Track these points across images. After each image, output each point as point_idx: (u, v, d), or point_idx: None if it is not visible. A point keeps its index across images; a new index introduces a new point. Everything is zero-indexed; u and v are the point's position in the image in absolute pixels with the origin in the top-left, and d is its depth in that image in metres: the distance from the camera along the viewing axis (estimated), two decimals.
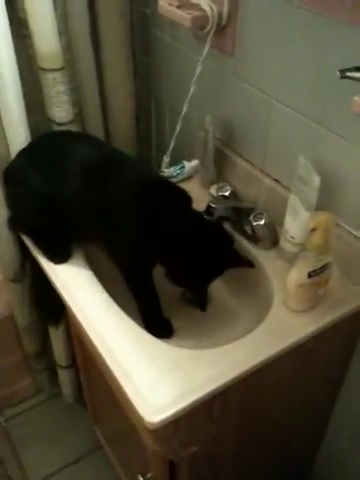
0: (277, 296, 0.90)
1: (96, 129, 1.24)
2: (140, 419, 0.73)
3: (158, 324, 0.97)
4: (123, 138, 1.29)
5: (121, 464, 1.32)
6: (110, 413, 1.20)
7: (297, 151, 0.91)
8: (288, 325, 0.85)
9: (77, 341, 1.21)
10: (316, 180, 0.84)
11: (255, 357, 0.80)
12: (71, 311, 0.89)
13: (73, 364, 1.49)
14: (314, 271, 0.82)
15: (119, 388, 0.77)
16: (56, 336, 1.42)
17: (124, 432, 1.08)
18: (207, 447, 0.88)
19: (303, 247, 0.83)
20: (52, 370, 1.61)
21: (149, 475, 0.96)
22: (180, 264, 0.90)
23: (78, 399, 1.60)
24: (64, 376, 1.56)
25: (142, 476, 0.97)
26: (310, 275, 0.82)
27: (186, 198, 0.93)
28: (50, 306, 1.21)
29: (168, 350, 0.82)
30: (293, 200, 0.91)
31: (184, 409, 0.74)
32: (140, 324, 0.91)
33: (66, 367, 1.52)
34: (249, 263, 0.94)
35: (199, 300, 0.93)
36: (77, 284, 0.93)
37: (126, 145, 1.30)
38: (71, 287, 0.92)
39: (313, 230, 0.79)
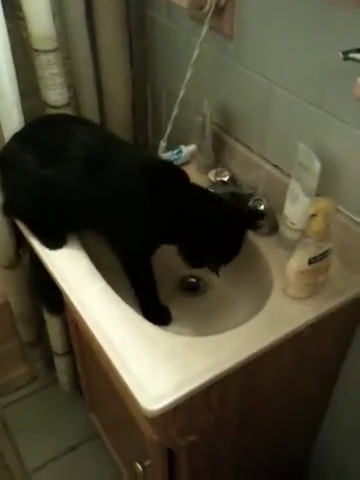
0: (276, 283, 0.89)
1: (91, 113, 1.22)
2: (139, 408, 0.72)
3: (156, 311, 0.96)
4: (119, 122, 1.27)
5: (118, 452, 1.32)
6: (107, 401, 1.20)
7: (297, 136, 0.90)
8: (287, 313, 0.84)
9: (74, 328, 1.19)
10: (317, 166, 0.83)
11: (254, 345, 0.79)
12: (68, 299, 0.87)
13: (69, 352, 1.48)
14: (314, 258, 0.81)
15: (117, 377, 0.76)
16: (52, 323, 1.41)
17: (121, 420, 1.08)
18: (205, 436, 0.87)
19: (303, 233, 0.81)
20: (48, 358, 1.60)
21: (147, 463, 0.96)
22: (201, 241, 0.87)
23: (75, 387, 1.59)
24: (60, 364, 1.55)
25: (140, 464, 0.97)
26: (310, 262, 0.81)
27: (186, 176, 0.91)
28: (50, 294, 1.19)
29: (166, 338, 0.81)
30: (293, 186, 0.89)
31: (182, 398, 0.73)
32: (138, 312, 0.90)
33: (62, 355, 1.51)
34: (261, 214, 0.93)
35: (215, 270, 0.90)
36: (74, 272, 0.91)
37: (122, 129, 1.27)
38: (68, 275, 0.90)
39: (313, 216, 0.78)
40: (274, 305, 0.86)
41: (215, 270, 0.89)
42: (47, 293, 1.19)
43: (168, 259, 0.94)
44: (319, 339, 0.92)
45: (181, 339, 0.81)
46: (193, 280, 1.07)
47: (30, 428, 1.59)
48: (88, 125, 0.99)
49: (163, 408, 0.71)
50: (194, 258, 0.91)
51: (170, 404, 0.72)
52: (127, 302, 0.88)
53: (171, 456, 0.91)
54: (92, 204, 0.91)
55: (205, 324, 0.96)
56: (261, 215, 0.91)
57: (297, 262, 0.82)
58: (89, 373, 1.30)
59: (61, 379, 1.61)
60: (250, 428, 1.00)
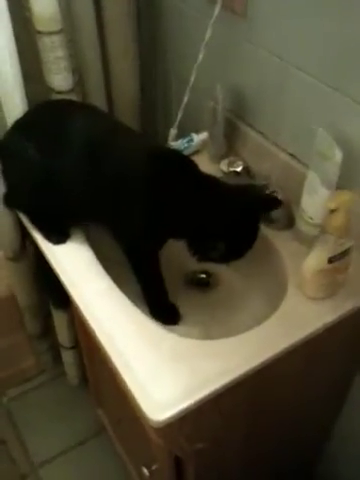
0: (292, 281, 0.84)
1: (98, 99, 1.16)
2: (143, 416, 0.67)
3: (164, 310, 0.91)
4: (127, 109, 1.21)
5: (126, 450, 1.28)
6: (114, 398, 1.16)
7: (316, 123, 0.83)
8: (304, 314, 0.79)
9: (79, 324, 1.15)
10: (338, 155, 0.76)
11: (268, 350, 0.73)
12: (70, 296, 0.82)
13: (77, 345, 1.44)
14: (334, 256, 0.75)
15: (122, 381, 0.71)
16: (58, 317, 1.37)
17: (128, 419, 1.03)
18: (214, 442, 0.82)
19: (323, 229, 0.75)
20: (56, 350, 1.57)
21: (154, 467, 0.92)
22: (212, 235, 0.81)
23: (83, 380, 1.56)
24: (68, 357, 1.51)
25: (147, 468, 0.92)
26: (330, 260, 0.75)
27: (194, 166, 0.85)
28: (56, 289, 1.15)
29: (174, 340, 0.76)
30: (311, 177, 0.83)
31: (190, 406, 0.68)
32: (145, 310, 0.85)
33: (70, 348, 1.47)
34: (277, 201, 0.86)
35: (226, 262, 0.85)
36: (77, 267, 0.86)
37: (130, 116, 1.22)
38: (71, 271, 0.86)
39: (334, 211, 0.72)
40: (289, 306, 0.80)
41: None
42: (53, 287, 1.15)
43: (176, 253, 0.88)
44: (336, 339, 0.86)
45: (190, 342, 0.76)
46: (203, 276, 1.02)
47: (37, 421, 1.57)
48: (93, 111, 0.93)
49: (170, 418, 0.67)
50: (204, 253, 0.85)
51: (177, 414, 0.67)
52: (133, 299, 0.84)
53: (178, 460, 0.87)
54: (96, 195, 0.85)
55: (215, 323, 0.91)
56: (279, 201, 0.85)
57: (315, 260, 0.77)
58: (96, 368, 1.26)
59: (69, 372, 1.58)
60: (259, 432, 0.96)
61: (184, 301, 0.94)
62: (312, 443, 1.20)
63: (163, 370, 0.71)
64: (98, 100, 1.16)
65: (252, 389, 0.79)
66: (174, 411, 0.67)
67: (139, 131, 1.24)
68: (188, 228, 0.83)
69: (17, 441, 1.53)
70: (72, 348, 1.47)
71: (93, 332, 0.77)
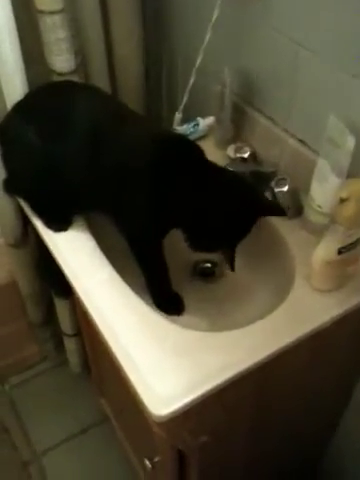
0: (300, 272, 0.81)
1: (101, 81, 1.12)
2: (146, 411, 0.65)
3: (167, 300, 0.89)
4: (131, 91, 1.18)
5: (129, 441, 1.27)
6: (116, 387, 1.14)
7: (327, 108, 0.80)
8: (311, 307, 0.76)
9: (81, 314, 1.13)
10: (350, 142, 0.73)
11: (274, 343, 0.71)
12: (72, 286, 0.80)
13: (79, 333, 1.42)
14: (344, 247, 0.72)
15: (124, 375, 0.69)
16: (61, 305, 1.35)
17: (131, 409, 1.02)
18: (218, 436, 0.80)
19: (332, 220, 0.72)
20: (58, 338, 1.55)
21: (156, 459, 0.90)
22: (207, 224, 0.79)
23: (85, 368, 1.55)
24: (70, 344, 1.50)
25: (149, 460, 0.91)
26: (340, 252, 0.73)
27: (201, 152, 0.82)
28: (58, 278, 1.13)
29: (177, 332, 0.74)
30: (321, 164, 0.80)
31: (194, 401, 0.66)
32: (148, 300, 0.83)
33: (72, 335, 1.46)
34: (280, 210, 0.84)
35: (228, 260, 0.82)
36: (79, 257, 0.84)
37: (135, 99, 1.18)
38: (72, 260, 0.83)
39: (345, 200, 0.69)
40: (296, 298, 0.78)
41: (228, 258, 0.81)
42: (54, 276, 1.12)
43: (181, 243, 0.86)
44: (341, 333, 0.84)
45: (193, 334, 0.73)
46: (208, 265, 1.00)
47: (39, 408, 1.56)
48: (95, 93, 0.90)
49: (173, 412, 0.65)
50: (202, 243, 0.83)
51: (181, 408, 0.65)
52: (136, 289, 0.82)
53: (181, 453, 0.85)
54: (98, 181, 0.83)
55: (220, 314, 0.89)
56: (283, 212, 0.82)
57: (324, 251, 0.74)
58: (98, 358, 1.24)
59: (71, 360, 1.56)
60: (263, 426, 0.94)
61: (188, 291, 0.92)
62: (317, 438, 1.19)
63: (166, 363, 0.69)
64: (101, 82, 1.12)
65: (256, 383, 0.77)
66: (177, 406, 0.65)
67: (143, 114, 1.20)
68: (190, 217, 0.80)
69: (19, 429, 1.53)
70: (74, 335, 1.45)
71: (95, 324, 0.74)
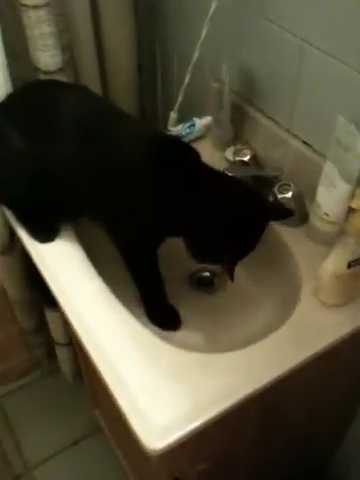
0: (306, 285, 0.75)
1: (91, 79, 1.06)
2: (140, 443, 0.60)
3: (163, 314, 0.83)
4: (124, 90, 1.11)
5: (124, 455, 1.21)
6: (110, 400, 1.08)
7: (335, 108, 0.74)
8: (319, 323, 0.70)
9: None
10: None
11: (279, 365, 0.65)
12: (59, 303, 0.74)
13: (71, 342, 1.36)
14: (355, 260, 0.67)
15: (114, 401, 0.63)
16: (52, 315, 1.29)
17: (126, 425, 0.96)
18: (218, 461, 0.75)
19: (342, 230, 0.67)
20: (50, 345, 1.49)
21: None
22: (209, 232, 0.73)
23: (78, 376, 1.49)
24: (62, 354, 1.44)
25: None
26: (350, 265, 0.67)
27: (197, 156, 0.76)
28: (47, 288, 1.07)
29: (173, 353, 0.68)
30: (329, 169, 0.74)
31: (193, 431, 0.60)
32: (141, 315, 0.77)
33: (65, 345, 1.40)
34: (287, 212, 0.78)
35: (228, 269, 0.75)
36: (66, 269, 0.78)
37: (127, 98, 1.12)
38: (59, 272, 0.77)
39: (356, 210, 0.63)
40: (302, 314, 0.72)
41: (229, 269, 0.75)
42: (44, 287, 1.06)
43: (178, 251, 0.80)
44: (352, 351, 0.78)
45: (191, 356, 0.67)
46: (206, 274, 0.94)
47: (31, 418, 1.50)
48: (84, 93, 0.83)
49: (169, 445, 0.59)
50: (203, 254, 0.77)
51: (178, 440, 0.59)
52: (129, 302, 0.76)
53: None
54: (87, 187, 0.77)
55: (220, 328, 0.83)
56: (289, 213, 0.76)
57: (334, 265, 0.68)
58: (90, 368, 1.18)
59: (64, 369, 1.51)
60: (267, 447, 0.89)
61: (186, 304, 0.86)
62: (323, 446, 1.13)
63: (161, 389, 0.63)
64: (91, 81, 1.06)
65: (261, 405, 0.71)
66: (174, 438, 0.59)
67: (136, 115, 1.14)
68: (187, 226, 0.74)
69: (11, 439, 1.47)
70: (67, 345, 1.39)
71: (82, 344, 0.68)
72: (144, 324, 0.77)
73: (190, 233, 0.76)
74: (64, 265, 0.78)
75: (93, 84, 1.07)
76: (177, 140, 0.81)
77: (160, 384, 0.64)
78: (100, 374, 0.65)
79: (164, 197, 0.73)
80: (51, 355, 1.54)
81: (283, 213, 0.77)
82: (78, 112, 0.78)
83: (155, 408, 0.62)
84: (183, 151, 0.75)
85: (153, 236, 0.78)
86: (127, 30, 1.05)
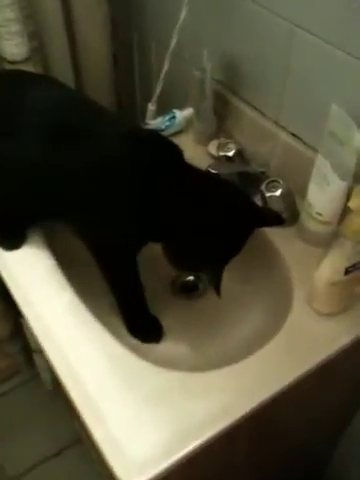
0: (298, 291, 0.69)
1: (62, 69, 0.98)
2: (115, 478, 0.53)
3: (143, 325, 0.76)
4: (98, 80, 1.04)
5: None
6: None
7: (327, 96, 0.67)
8: (315, 334, 0.64)
9: None
10: (358, 138, 0.60)
11: (273, 383, 0.59)
12: (25, 318, 0.67)
13: None
14: (353, 266, 0.60)
15: (87, 430, 0.57)
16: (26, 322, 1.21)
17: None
18: None
19: (339, 232, 0.60)
20: (29, 352, 1.42)
21: None
22: (191, 240, 0.66)
23: (59, 384, 1.41)
24: (40, 361, 1.36)
25: None
26: (347, 271, 0.60)
27: (178, 153, 0.69)
28: None
29: (153, 373, 0.61)
30: (321, 164, 0.67)
31: (175, 463, 0.53)
32: (119, 326, 0.71)
33: (42, 351, 1.32)
34: (278, 219, 0.70)
35: (214, 282, 0.68)
36: (33, 278, 0.70)
37: (102, 88, 1.05)
38: (25, 282, 0.70)
39: (353, 211, 0.57)
40: (295, 323, 0.66)
41: (214, 279, 0.68)
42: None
43: (157, 252, 0.72)
44: (350, 361, 0.72)
45: (173, 375, 0.60)
46: (190, 279, 0.87)
47: (13, 427, 1.43)
48: (50, 84, 0.76)
49: None
50: (183, 261, 0.70)
51: (158, 475, 0.52)
52: (106, 313, 0.70)
53: None
54: (55, 188, 0.69)
55: (207, 339, 0.76)
56: (280, 220, 0.70)
57: (329, 271, 0.62)
58: None
59: (43, 376, 1.43)
60: (260, 456, 0.82)
61: (169, 312, 0.79)
62: (320, 450, 1.08)
63: (141, 415, 0.57)
64: (62, 71, 0.98)
65: (252, 427, 0.64)
66: (155, 472, 0.52)
67: (113, 108, 1.07)
68: (168, 230, 0.67)
69: None
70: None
71: (51, 365, 0.61)
72: (123, 336, 0.71)
73: (170, 238, 0.69)
74: (31, 275, 0.70)
75: (64, 75, 0.99)
76: (157, 135, 0.74)
77: (138, 410, 0.57)
78: (72, 400, 0.58)
79: (142, 198, 0.66)
80: (30, 362, 1.46)
81: (273, 220, 0.70)
82: (45, 106, 0.70)
83: (133, 438, 0.55)
84: (164, 148, 0.68)
85: (131, 241, 0.71)
86: (101, 15, 0.97)
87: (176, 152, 0.68)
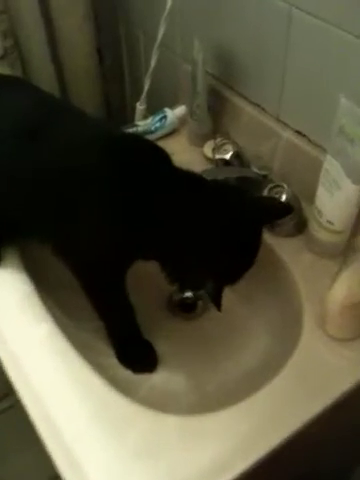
0: (308, 310, 0.61)
1: (41, 68, 0.91)
2: None
3: (135, 353, 0.68)
4: (82, 78, 0.96)
5: None
6: None
7: (334, 87, 0.60)
8: (329, 364, 0.55)
9: None
10: None
11: (283, 426, 0.51)
12: None
13: None
14: None
15: None
16: None
17: None
18: None
19: (354, 246, 0.51)
20: None
21: None
22: (189, 255, 0.58)
23: None
24: None
25: None
26: None
27: (165, 157, 0.61)
28: None
29: (145, 420, 0.52)
30: (330, 166, 0.59)
31: None
32: (108, 359, 0.63)
33: None
34: (286, 208, 0.62)
35: (214, 296, 0.60)
36: (7, 306, 0.62)
37: (87, 88, 0.97)
38: None
39: None
40: (307, 350, 0.57)
41: (215, 297, 0.60)
42: None
43: (151, 265, 0.64)
44: None
45: (168, 421, 0.52)
46: (188, 295, 0.78)
47: (3, 450, 1.35)
48: (17, 86, 0.68)
49: None
50: (184, 278, 0.62)
51: None
52: (92, 340, 0.64)
53: None
54: (28, 201, 0.61)
55: (208, 367, 0.67)
56: (289, 209, 0.61)
57: (345, 291, 0.53)
58: None
59: None
60: None
61: (164, 335, 0.71)
62: (338, 470, 0.99)
63: (129, 472, 0.48)
64: (42, 69, 0.90)
65: (258, 474, 0.56)
66: None
67: (100, 107, 0.98)
68: (160, 247, 0.59)
69: None
70: None
71: (25, 408, 0.53)
72: (112, 367, 0.63)
73: (164, 254, 0.60)
74: (5, 303, 0.62)
75: (45, 73, 0.91)
76: (140, 140, 0.65)
77: (127, 465, 0.49)
78: (48, 452, 0.50)
79: (125, 209, 0.58)
80: None
81: (280, 210, 0.61)
82: (18, 110, 0.62)
83: None
84: (146, 152, 0.60)
85: (115, 258, 0.62)
86: (82, 8, 0.89)
87: (162, 156, 0.59)
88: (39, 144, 0.60)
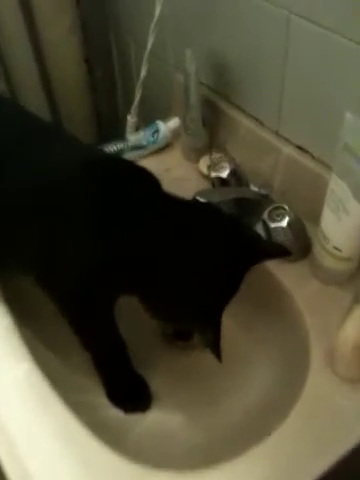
0: (315, 348, 0.55)
1: (27, 81, 0.86)
2: None
3: (126, 390, 0.62)
4: (71, 90, 0.91)
5: None
6: None
7: (337, 98, 0.55)
8: (341, 410, 0.50)
9: None
10: None
11: None
12: None
13: None
14: None
15: None
16: None
17: None
18: None
19: None
20: None
21: None
22: (174, 291, 0.54)
23: None
24: None
25: None
26: None
27: (153, 182, 0.56)
28: None
29: (132, 478, 0.46)
30: (337, 186, 0.53)
31: None
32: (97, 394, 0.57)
33: None
34: (283, 250, 0.57)
35: (211, 342, 0.54)
36: None
37: (76, 100, 0.92)
38: None
39: None
40: (315, 394, 0.51)
41: (210, 339, 0.54)
42: None
43: None
44: None
45: (159, 476, 0.46)
46: None
47: None
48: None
49: None
50: (166, 316, 0.57)
51: None
52: (79, 377, 0.59)
53: None
54: (10, 226, 0.56)
55: (205, 407, 0.62)
56: (287, 252, 0.56)
57: (357, 329, 0.47)
58: None
59: None
60: None
61: (159, 367, 0.66)
62: None
63: None
64: (27, 82, 0.86)
65: None
66: None
67: (90, 120, 0.93)
68: (142, 283, 0.54)
69: None
70: None
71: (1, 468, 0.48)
72: (101, 406, 0.59)
73: (148, 287, 0.55)
74: None
75: (31, 86, 0.87)
76: (126, 164, 0.60)
77: None
78: None
79: (105, 239, 0.53)
80: None
81: (277, 253, 0.56)
82: None
83: None
84: (130, 177, 0.55)
85: (100, 288, 0.57)
86: (67, 19, 0.84)
87: (149, 181, 0.54)
88: (16, 168, 0.55)
